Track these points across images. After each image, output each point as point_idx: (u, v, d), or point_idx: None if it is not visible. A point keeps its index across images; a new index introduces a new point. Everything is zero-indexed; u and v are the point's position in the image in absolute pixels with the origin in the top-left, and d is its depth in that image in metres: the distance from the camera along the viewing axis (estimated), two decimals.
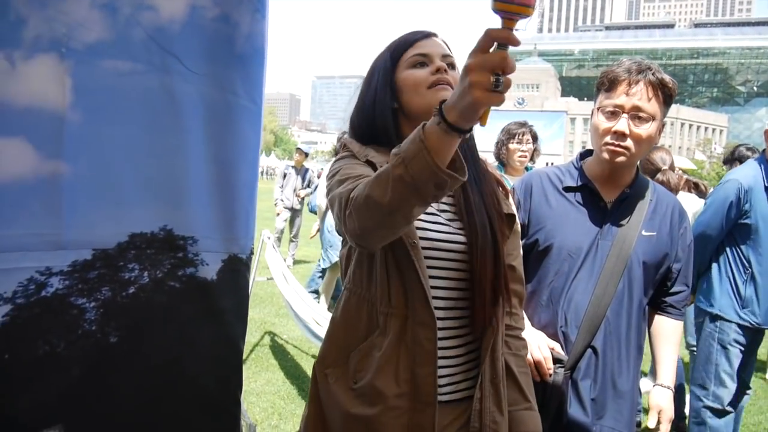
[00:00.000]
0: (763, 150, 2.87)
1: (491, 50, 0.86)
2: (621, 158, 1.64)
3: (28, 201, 1.14)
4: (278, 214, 8.99)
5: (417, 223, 1.23)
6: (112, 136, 1.26)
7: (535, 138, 3.96)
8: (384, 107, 1.33)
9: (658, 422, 1.71)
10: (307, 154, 9.32)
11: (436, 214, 1.30)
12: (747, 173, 2.83)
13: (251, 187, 1.54)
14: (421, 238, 1.24)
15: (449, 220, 1.31)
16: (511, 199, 1.43)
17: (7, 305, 1.12)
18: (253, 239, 1.59)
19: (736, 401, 2.88)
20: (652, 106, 1.61)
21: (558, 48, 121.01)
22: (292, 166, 9.14)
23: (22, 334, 1.15)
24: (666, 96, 1.63)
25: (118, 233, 1.29)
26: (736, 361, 2.79)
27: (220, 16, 1.38)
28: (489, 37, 0.85)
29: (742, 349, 2.79)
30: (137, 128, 1.30)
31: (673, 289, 1.79)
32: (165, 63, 1.32)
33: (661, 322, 1.82)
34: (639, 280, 1.68)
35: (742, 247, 2.79)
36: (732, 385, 2.80)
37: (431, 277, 1.24)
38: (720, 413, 2.80)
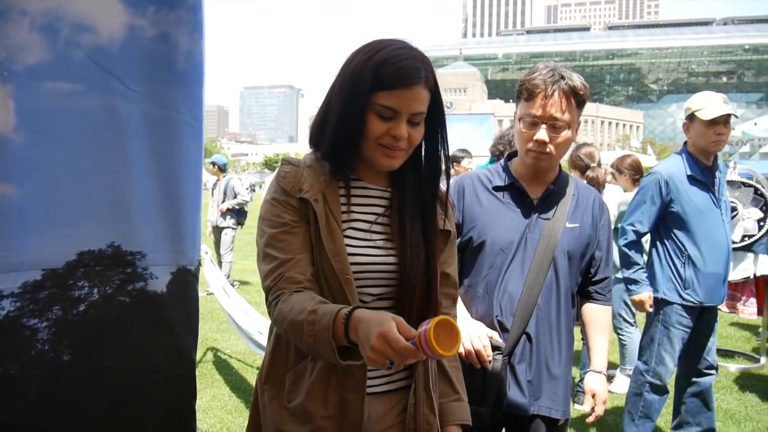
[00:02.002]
0: (684, 142, 3.12)
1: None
2: (544, 162, 1.81)
3: None
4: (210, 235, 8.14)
5: (349, 249, 1.27)
6: (56, 157, 1.27)
7: None
8: (347, 132, 1.26)
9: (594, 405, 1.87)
10: (215, 164, 8.32)
11: (368, 239, 1.32)
12: (668, 165, 3.10)
13: (196, 200, 1.58)
14: (353, 263, 1.26)
15: (383, 239, 1.34)
16: (451, 212, 1.49)
17: None
18: (200, 251, 1.63)
19: (697, 378, 3.11)
20: (566, 115, 1.77)
21: (483, 52, 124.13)
22: (215, 182, 8.24)
23: None
24: (579, 101, 1.79)
25: (67, 252, 1.31)
26: (678, 342, 3.03)
27: (158, 36, 1.42)
28: (399, 344, 0.96)
29: (687, 330, 3.02)
30: (81, 148, 1.32)
31: (597, 276, 1.95)
32: (105, 83, 1.35)
33: (590, 309, 1.98)
34: (565, 269, 1.83)
35: (676, 232, 3.01)
36: (671, 365, 3.05)
37: (366, 294, 1.29)
38: (658, 389, 3.06)
